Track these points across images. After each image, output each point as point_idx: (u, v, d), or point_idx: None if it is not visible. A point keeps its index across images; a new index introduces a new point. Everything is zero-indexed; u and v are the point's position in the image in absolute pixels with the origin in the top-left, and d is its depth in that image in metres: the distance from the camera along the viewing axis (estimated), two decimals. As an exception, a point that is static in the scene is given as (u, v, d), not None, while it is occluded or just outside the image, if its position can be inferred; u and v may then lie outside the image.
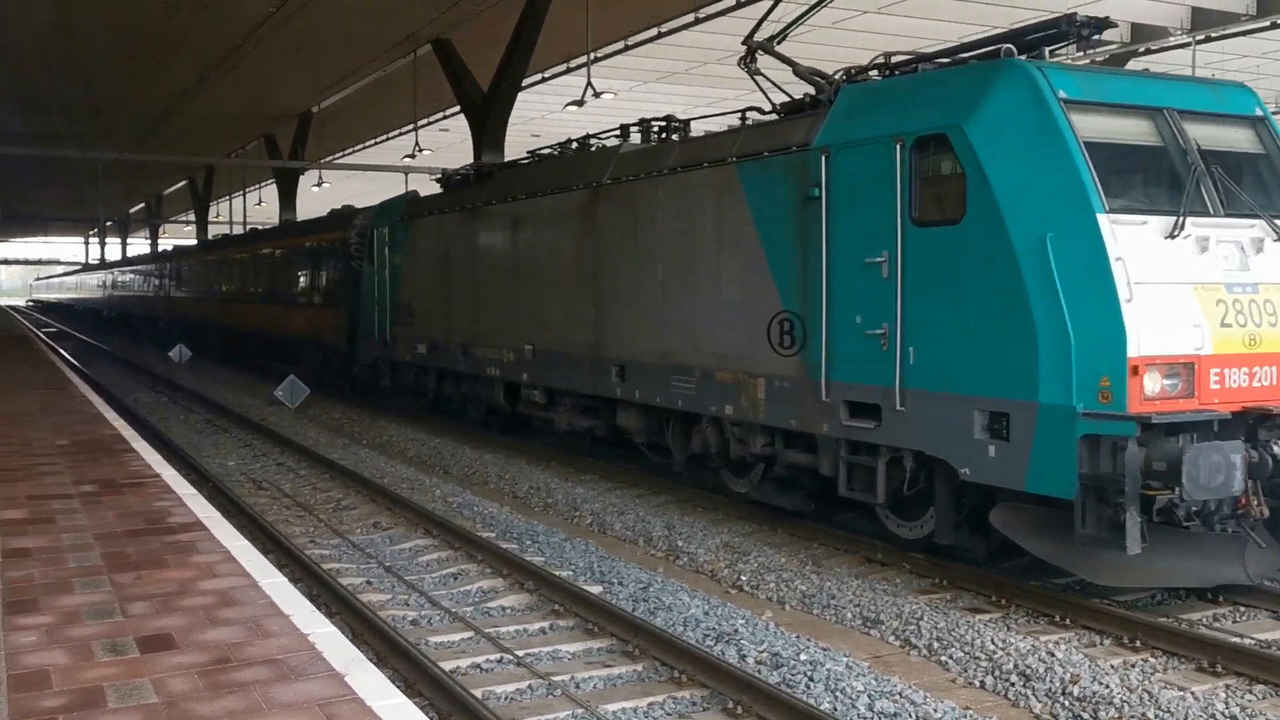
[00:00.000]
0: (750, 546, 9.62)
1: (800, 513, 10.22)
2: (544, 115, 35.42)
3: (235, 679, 4.18)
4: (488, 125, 23.93)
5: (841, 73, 9.62)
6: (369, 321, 19.01)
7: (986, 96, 7.75)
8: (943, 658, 7.01)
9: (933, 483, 8.44)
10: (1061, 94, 7.45)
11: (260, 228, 36.77)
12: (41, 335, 40.17)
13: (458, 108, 28.16)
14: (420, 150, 30.27)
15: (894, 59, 9.15)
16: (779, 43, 10.76)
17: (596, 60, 24.15)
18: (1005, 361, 7.43)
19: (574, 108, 22.14)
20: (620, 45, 26.39)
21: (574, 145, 14.11)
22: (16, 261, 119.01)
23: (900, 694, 6.19)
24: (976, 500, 8.24)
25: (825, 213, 8.83)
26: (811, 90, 9.83)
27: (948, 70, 8.58)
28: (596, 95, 20.78)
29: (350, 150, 45.51)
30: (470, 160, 24.95)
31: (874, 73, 9.29)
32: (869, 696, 6.13)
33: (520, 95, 24.46)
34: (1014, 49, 8.08)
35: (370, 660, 4.78)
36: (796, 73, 10.16)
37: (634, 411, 11.95)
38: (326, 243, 23.00)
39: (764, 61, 10.81)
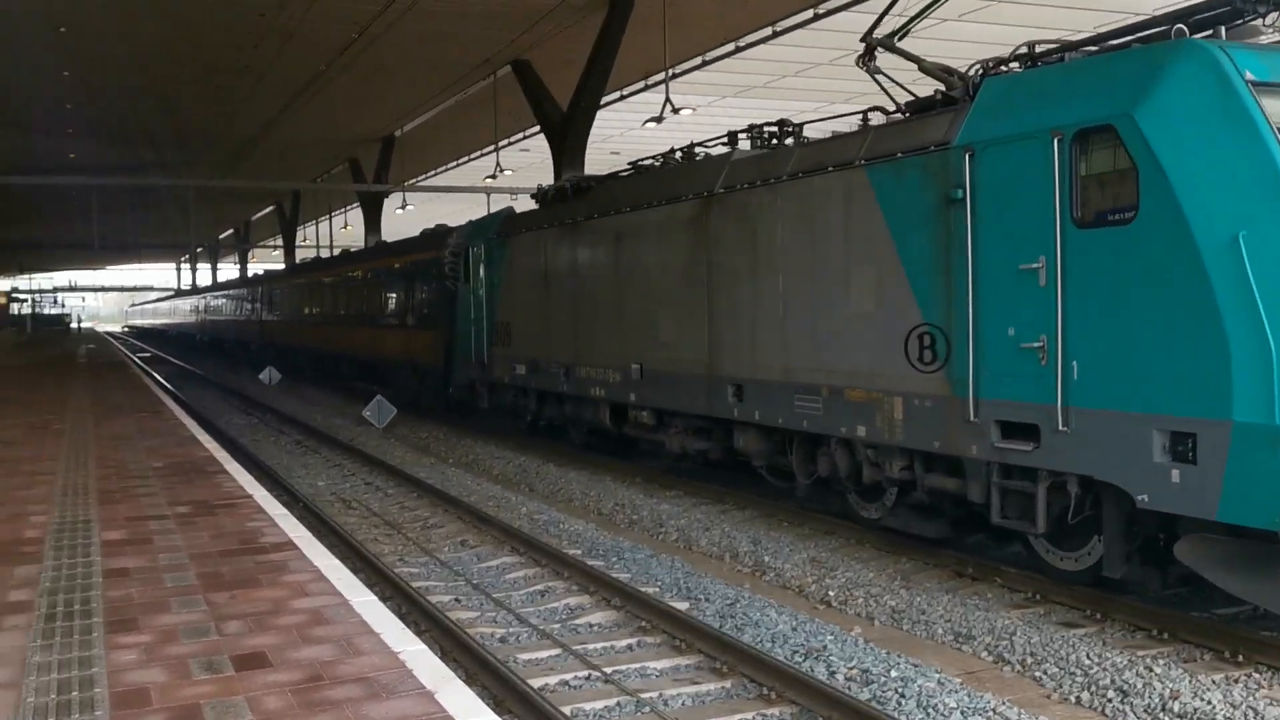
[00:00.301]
0: (837, 561, 9.49)
1: (943, 540, 9.60)
2: (622, 133, 35.63)
3: (328, 697, 4.22)
4: (567, 144, 24.13)
5: (977, 66, 8.85)
6: (465, 342, 18.68)
7: (1161, 81, 6.98)
8: (1037, 673, 6.82)
9: (1099, 510, 7.67)
10: (1248, 75, 6.68)
11: (351, 249, 36.36)
12: (136, 360, 41.41)
13: (537, 127, 28.46)
14: (501, 171, 30.60)
15: (1038, 48, 8.35)
16: (900, 39, 10.03)
17: (674, 76, 24.22)
18: (1190, 375, 6.68)
19: (653, 124, 22.22)
20: (698, 61, 26.47)
21: (678, 155, 13.62)
22: (112, 288, 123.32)
23: (994, 710, 6.03)
24: (1152, 530, 7.51)
25: (970, 216, 8.19)
26: (942, 87, 9.11)
27: (1111, 55, 7.73)
28: (675, 111, 20.82)
29: (433, 172, 46.28)
30: (551, 179, 25.24)
31: (1015, 64, 8.53)
32: (961, 713, 5.99)
33: (599, 113, 24.64)
34: (1185, 29, 7.27)
35: (459, 678, 4.79)
36: (923, 69, 9.40)
37: (753, 433, 11.30)
38: (420, 263, 22.74)
39: (883, 60, 10.15)
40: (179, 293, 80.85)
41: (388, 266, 25.76)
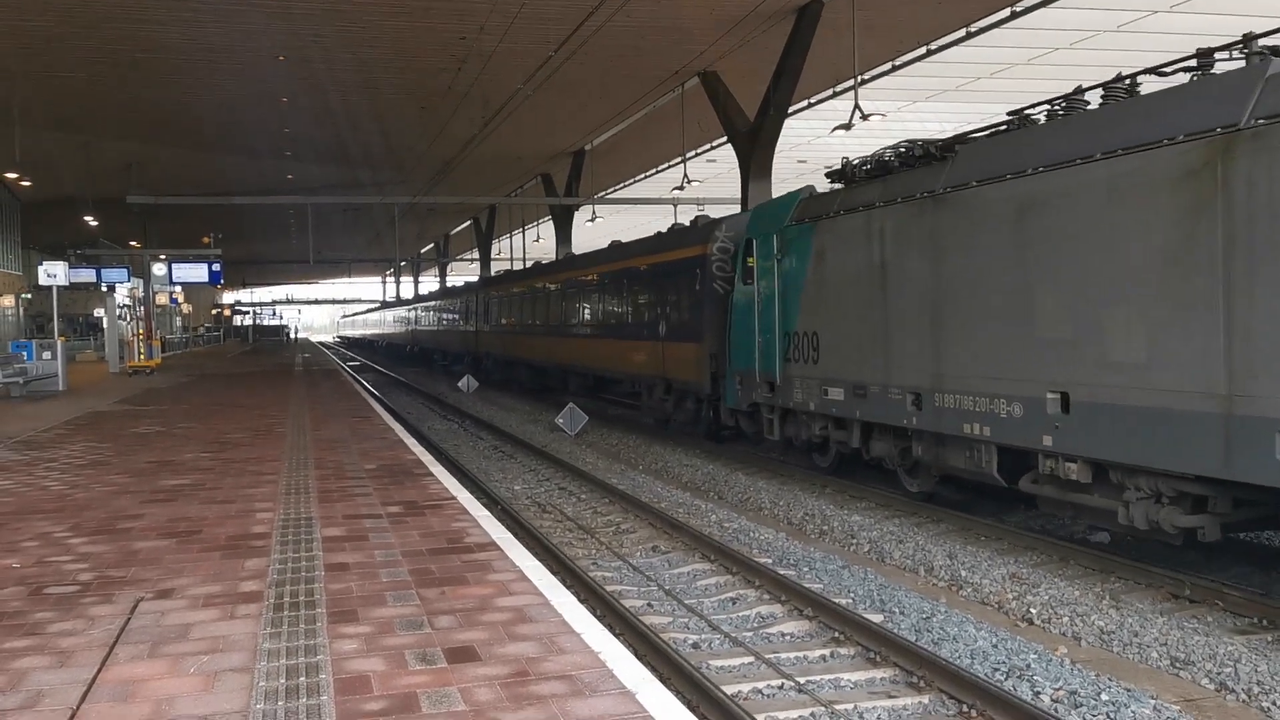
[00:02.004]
0: (1040, 578, 9.16)
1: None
2: (809, 141, 35.45)
3: (534, 692, 4.37)
4: (755, 154, 24.18)
5: None
6: (744, 357, 15.51)
7: None
8: (1265, 703, 6.40)
9: None
10: None
11: (580, 253, 32.39)
12: (346, 368, 43.63)
13: (724, 138, 28.63)
14: (689, 182, 30.90)
15: None
16: None
17: (864, 82, 23.91)
18: None
19: (841, 132, 21.99)
20: (888, 66, 26.08)
21: (1101, 91, 9.67)
22: (325, 301, 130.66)
23: (1218, 743, 5.70)
24: None
25: None
26: None
27: None
28: (865, 118, 20.54)
29: (621, 185, 47.12)
30: (738, 189, 25.31)
31: None
32: (1182, 744, 5.68)
33: (786, 122, 24.56)
34: None
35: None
36: None
37: None
38: (675, 263, 19.38)
39: None
40: (387, 303, 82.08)
41: (630, 269, 22.42)
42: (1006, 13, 21.82)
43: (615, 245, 25.53)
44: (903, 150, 12.30)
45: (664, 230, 22.67)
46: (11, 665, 4.78)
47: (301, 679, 4.56)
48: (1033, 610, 8.38)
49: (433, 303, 54.03)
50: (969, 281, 10.59)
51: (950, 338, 10.87)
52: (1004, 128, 10.93)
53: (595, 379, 26.03)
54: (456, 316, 44.59)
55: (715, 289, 17.25)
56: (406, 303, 67.44)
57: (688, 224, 21.02)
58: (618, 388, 26.61)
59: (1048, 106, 10.23)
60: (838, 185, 13.99)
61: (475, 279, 49.89)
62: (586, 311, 26.07)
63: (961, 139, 11.46)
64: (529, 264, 44.23)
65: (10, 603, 5.85)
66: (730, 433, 17.83)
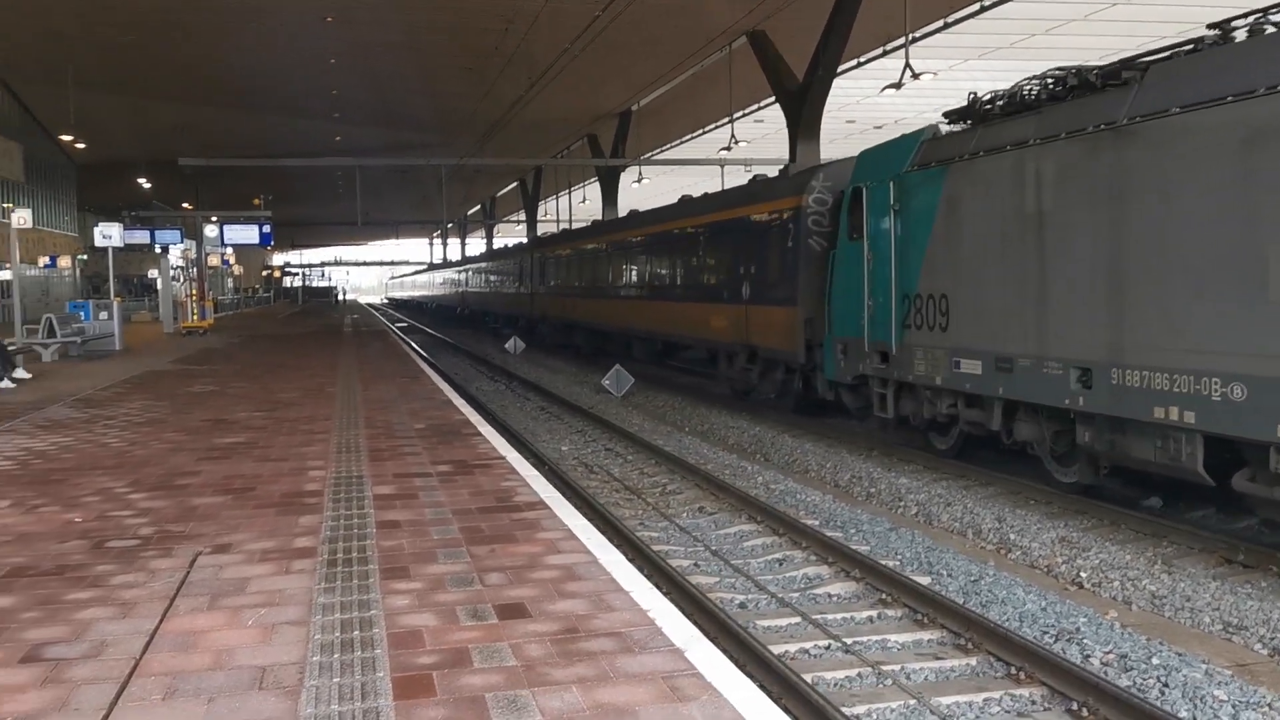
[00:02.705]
0: (1090, 542, 9.08)
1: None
2: (858, 101, 35.02)
3: (583, 648, 4.42)
4: (803, 114, 23.94)
5: None
6: (849, 323, 13.75)
7: None
8: (1321, 671, 6.33)
9: None
10: None
11: (646, 209, 29.21)
12: (395, 329, 44.01)
13: (772, 98, 28.36)
14: (736, 142, 30.68)
15: None
16: None
17: (914, 41, 23.55)
18: None
19: (891, 91, 21.70)
20: (939, 24, 25.66)
21: None
22: (372, 263, 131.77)
23: (1270, 706, 5.65)
24: None
25: None
26: None
27: None
28: (915, 77, 20.25)
29: (668, 146, 46.90)
30: (785, 150, 25.07)
31: None
32: (1233, 707, 5.64)
33: (835, 81, 24.27)
34: None
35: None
36: None
37: None
38: (764, 217, 17.27)
39: None
40: (437, 265, 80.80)
41: (709, 225, 20.29)
42: (1063, -33, 21.36)
43: (687, 200, 23.53)
44: (1059, 78, 10.31)
45: (749, 182, 20.02)
46: (76, 616, 4.92)
47: (356, 633, 4.64)
48: (1083, 574, 8.33)
49: (484, 263, 51.83)
50: (1167, 230, 8.60)
51: (1137, 301, 8.89)
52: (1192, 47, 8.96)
53: (664, 344, 24.45)
54: (510, 278, 42.54)
55: (811, 246, 15.44)
56: (457, 263, 65.66)
57: (777, 174, 18.64)
58: (685, 353, 25.35)
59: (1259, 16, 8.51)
60: (954, 127, 12.20)
61: (528, 239, 47.63)
62: (655, 272, 24.00)
63: (1131, 63, 9.43)
64: (577, 225, 43.13)
65: (73, 555, 6.00)
66: (822, 407, 16.23)
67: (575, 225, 43.43)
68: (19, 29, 28.72)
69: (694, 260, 21.10)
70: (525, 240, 46.08)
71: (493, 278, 47.49)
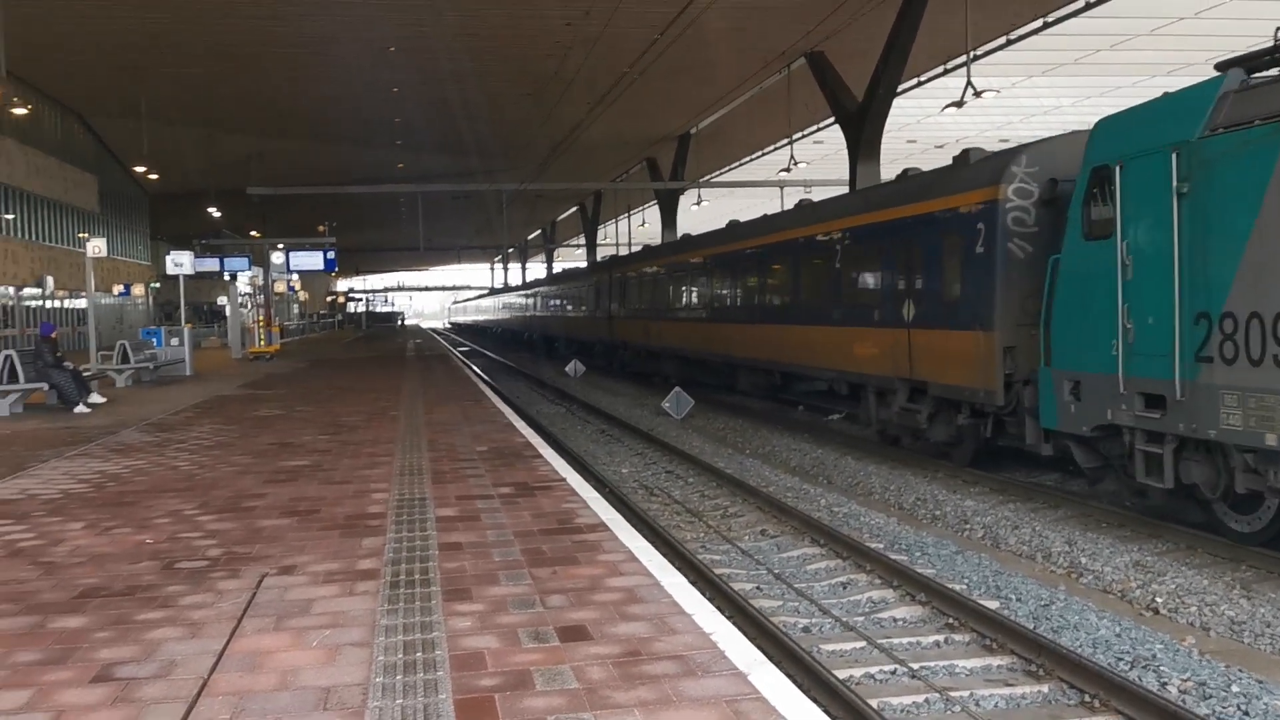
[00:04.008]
0: (1165, 566, 8.85)
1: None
2: (919, 120, 34.80)
3: (646, 671, 4.38)
4: (863, 134, 23.82)
5: None
6: (1086, 352, 10.43)
7: None
8: None
9: None
10: None
11: (756, 217, 24.35)
12: (457, 354, 44.39)
13: (831, 119, 28.27)
14: (795, 163, 30.61)
15: None
16: None
17: (976, 58, 23.35)
18: None
19: (953, 109, 21.53)
20: (1002, 40, 25.45)
21: None
22: (434, 288, 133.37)
23: (1360, 740, 5.44)
24: None
25: None
26: None
27: None
28: (977, 94, 20.07)
29: (727, 168, 46.93)
30: (845, 170, 24.93)
31: None
32: (1320, 740, 5.44)
33: (894, 101, 24.14)
34: None
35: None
36: None
37: None
38: (938, 216, 13.77)
39: None
40: (501, 288, 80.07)
41: (847, 230, 16.70)
42: (1128, -19, 21.08)
43: (806, 205, 20.23)
44: None
45: (900, 177, 16.19)
46: (146, 636, 4.99)
47: (418, 654, 4.65)
48: (1158, 599, 8.11)
49: (555, 285, 47.97)
50: None
51: None
52: None
53: (782, 376, 20.80)
54: (584, 300, 39.04)
55: (1012, 251, 12.13)
56: (524, 286, 62.14)
57: (955, 159, 14.34)
58: (804, 385, 21.65)
59: None
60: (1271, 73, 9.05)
61: (601, 258, 44.31)
62: (770, 289, 20.37)
63: None
64: (635, 247, 43.00)
65: (144, 576, 6.10)
66: (1012, 459, 13.59)
67: (636, 247, 42.91)
68: (96, 65, 29.65)
69: (828, 274, 17.27)
70: (600, 260, 42.82)
71: (564, 301, 43.91)
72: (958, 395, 13.16)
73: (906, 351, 14.38)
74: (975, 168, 13.33)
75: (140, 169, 42.51)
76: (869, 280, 16.00)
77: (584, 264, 51.60)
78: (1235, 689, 6.09)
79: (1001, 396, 12.20)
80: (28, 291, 39.10)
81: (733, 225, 24.34)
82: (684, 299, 26.57)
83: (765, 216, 22.79)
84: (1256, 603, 7.80)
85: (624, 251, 47.12)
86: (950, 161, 14.64)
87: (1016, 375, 12.08)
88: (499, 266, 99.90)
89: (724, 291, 23.34)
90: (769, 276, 20.47)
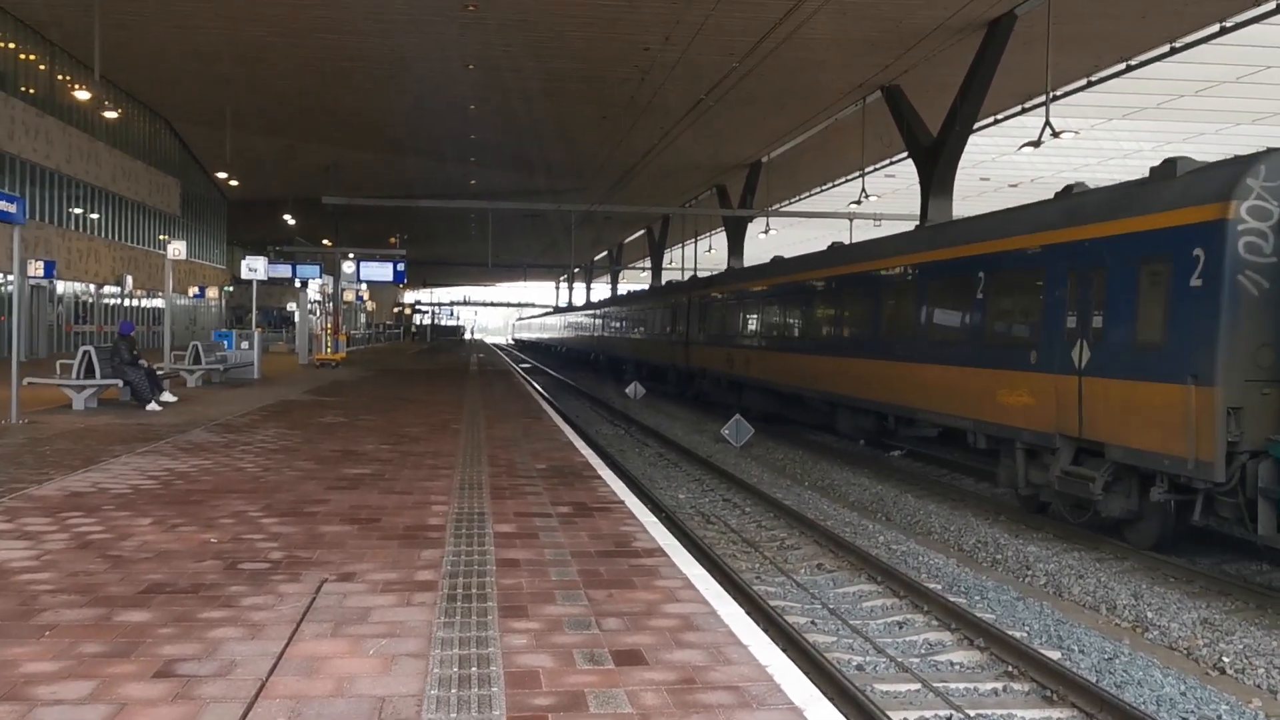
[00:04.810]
0: (1234, 625, 8.60)
1: None
2: (994, 158, 34.49)
3: (701, 700, 4.35)
4: (936, 170, 23.63)
5: None
6: None
7: None
8: None
9: None
10: None
11: (863, 240, 22.39)
12: (519, 370, 44.64)
13: (904, 153, 28.11)
14: (866, 196, 30.45)
15: None
16: None
17: (1056, 99, 23.10)
18: None
19: (1029, 149, 21.30)
20: (1083, 82, 25.17)
21: None
22: (499, 304, 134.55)
23: None
24: None
25: None
26: None
27: None
28: (1055, 135, 19.83)
29: (796, 198, 46.82)
30: (917, 205, 24.74)
31: None
32: (1395, 816, 5.23)
33: (969, 138, 23.95)
34: None
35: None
36: None
37: None
38: (1131, 239, 11.23)
39: None
40: (565, 308, 79.17)
41: (1004, 254, 13.87)
42: (1215, 28, 20.75)
43: (934, 227, 18.16)
44: None
45: (1070, 192, 13.24)
46: (208, 634, 5.06)
47: (473, 669, 4.66)
48: (1225, 659, 7.88)
49: (627, 306, 44.97)
50: None
51: None
52: None
53: (895, 418, 17.73)
54: (658, 323, 36.45)
55: (1244, 286, 9.84)
56: (593, 305, 59.60)
57: (1153, 170, 11.70)
58: (914, 429, 18.57)
59: None
60: None
61: (682, 279, 40.77)
62: (887, 321, 17.82)
63: None
64: (700, 273, 41.68)
65: (208, 575, 6.19)
66: (1213, 541, 11.66)
67: (700, 273, 42.41)
68: (186, 75, 30.45)
69: (966, 306, 14.74)
70: (678, 280, 39.54)
71: (636, 322, 41.20)
72: (1152, 464, 10.52)
73: (1075, 403, 11.66)
74: (1190, 180, 10.75)
75: (221, 175, 43.55)
76: (1024, 315, 13.38)
77: (658, 285, 49.20)
78: (1306, 757, 5.89)
79: (1222, 471, 9.64)
80: (107, 289, 40.14)
81: (836, 248, 22.43)
82: (776, 327, 24.14)
83: (880, 239, 20.01)
84: (1330, 669, 7.55)
85: (688, 276, 46.80)
86: (1147, 173, 11.88)
87: (1242, 445, 9.63)
88: (564, 285, 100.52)
89: (826, 321, 21.04)
90: (885, 305, 18.03)
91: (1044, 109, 20.97)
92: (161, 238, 43.58)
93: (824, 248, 23.02)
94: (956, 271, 15.11)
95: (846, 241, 24.79)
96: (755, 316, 25.60)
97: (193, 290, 50.66)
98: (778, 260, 25.79)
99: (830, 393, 19.86)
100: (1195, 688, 7.11)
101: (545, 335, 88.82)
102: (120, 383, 17.21)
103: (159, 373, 18.48)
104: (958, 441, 15.48)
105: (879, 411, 18.03)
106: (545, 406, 20.41)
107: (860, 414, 19.16)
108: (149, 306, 45.08)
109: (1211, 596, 9.58)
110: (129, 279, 40.58)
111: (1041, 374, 12.47)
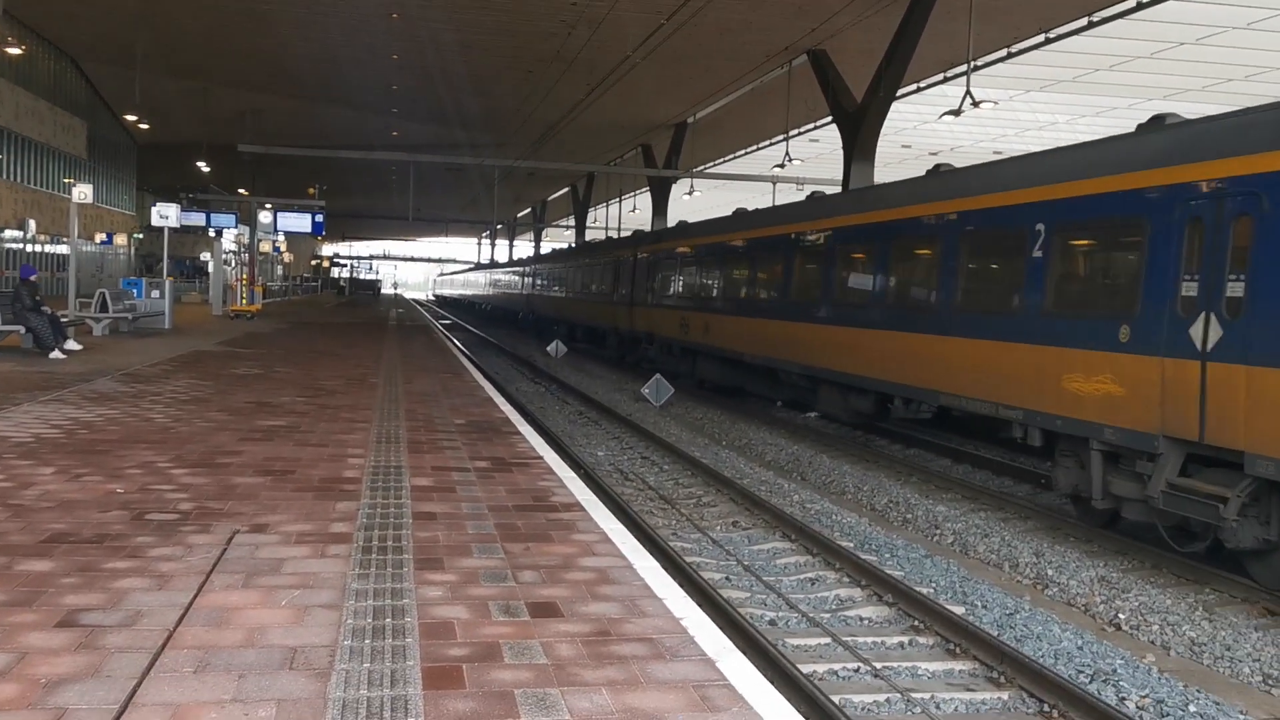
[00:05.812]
0: (1130, 583, 8.93)
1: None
2: (915, 126, 34.88)
3: (615, 652, 4.39)
4: (860, 136, 23.82)
5: None
6: None
7: None
8: (1364, 732, 6.16)
9: None
10: None
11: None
12: (439, 325, 44.17)
13: (828, 118, 28.27)
14: (790, 160, 30.59)
15: None
16: None
17: (977, 69, 23.38)
18: None
19: (949, 118, 21.56)
20: (1003, 53, 25.50)
21: None
22: (420, 259, 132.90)
23: (1311, 766, 5.50)
24: None
25: None
26: None
27: None
28: (975, 105, 20.10)
29: (721, 160, 46.86)
30: (840, 170, 24.95)
31: None
32: (1272, 763, 5.50)
33: (892, 105, 24.17)
34: None
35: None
36: None
37: None
38: None
39: None
40: (490, 264, 76.56)
41: (1072, 201, 10.82)
42: (1132, 3, 21.16)
43: (939, 173, 14.62)
44: None
45: (1158, 125, 10.25)
46: (113, 585, 4.95)
47: (388, 620, 4.64)
48: (1121, 615, 8.18)
49: (561, 263, 42.02)
50: None
51: None
52: None
53: (905, 401, 14.79)
54: (599, 282, 33.30)
55: None
56: (522, 262, 55.98)
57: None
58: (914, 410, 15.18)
59: None
60: None
61: (627, 234, 36.07)
62: (895, 285, 14.89)
63: None
64: (625, 233, 39.43)
65: (114, 525, 6.05)
66: None
67: (624, 233, 40.90)
68: (92, 9, 29.29)
69: (1017, 267, 11.65)
70: (626, 235, 35.33)
71: (572, 281, 38.33)
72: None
73: (1195, 397, 8.80)
74: None
75: (131, 118, 42.10)
76: (1108, 279, 10.65)
77: (600, 240, 45.33)
78: (1192, 708, 6.16)
79: None
80: (8, 234, 38.70)
81: (815, 197, 19.68)
82: (745, 288, 20.96)
83: (889, 184, 16.76)
84: (1218, 625, 7.88)
85: (614, 235, 46.66)
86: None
87: None
88: (486, 242, 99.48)
89: (813, 283, 17.62)
90: (895, 267, 14.91)
91: (965, 78, 21.24)
92: (67, 181, 42.08)
93: (802, 199, 20.37)
94: (1004, 223, 12.09)
95: (775, 204, 24.40)
96: (718, 276, 22.38)
97: (100, 237, 49.10)
98: (742, 212, 23.08)
99: (814, 366, 16.96)
100: (1092, 642, 7.37)
101: (469, 292, 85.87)
102: (21, 329, 16.66)
103: (63, 320, 17.92)
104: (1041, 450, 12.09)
105: (882, 391, 15.06)
106: (465, 363, 20.27)
107: (854, 393, 16.10)
108: (54, 252, 43.60)
109: (1109, 555, 9.92)
110: (32, 223, 39.15)
111: (1138, 356, 9.52)
